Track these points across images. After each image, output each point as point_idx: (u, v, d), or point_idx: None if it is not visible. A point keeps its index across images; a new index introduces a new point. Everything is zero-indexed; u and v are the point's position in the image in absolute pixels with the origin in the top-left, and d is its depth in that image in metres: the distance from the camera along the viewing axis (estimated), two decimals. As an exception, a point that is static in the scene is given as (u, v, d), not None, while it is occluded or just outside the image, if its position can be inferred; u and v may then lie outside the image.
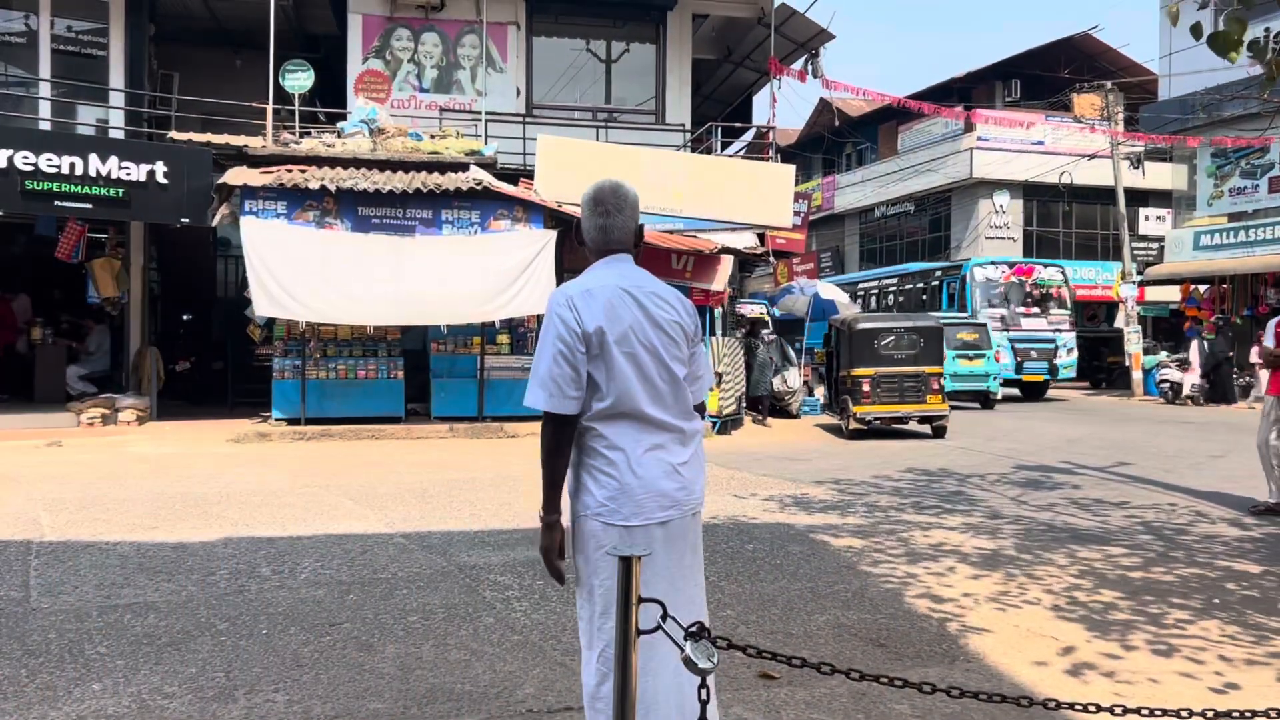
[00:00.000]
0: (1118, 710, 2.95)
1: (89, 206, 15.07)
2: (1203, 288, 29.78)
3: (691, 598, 3.42)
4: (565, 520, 3.37)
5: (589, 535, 3.34)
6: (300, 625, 5.66)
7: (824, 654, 5.16)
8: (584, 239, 3.59)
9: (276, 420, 15.92)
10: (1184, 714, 2.91)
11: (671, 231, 17.24)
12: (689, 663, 2.73)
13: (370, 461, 13.11)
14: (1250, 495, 10.31)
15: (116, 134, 17.18)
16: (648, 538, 3.30)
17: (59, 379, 17.29)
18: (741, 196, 18.03)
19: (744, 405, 19.07)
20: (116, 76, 17.56)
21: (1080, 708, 3.02)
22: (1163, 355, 27.82)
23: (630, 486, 3.31)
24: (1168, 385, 25.05)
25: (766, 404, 19.56)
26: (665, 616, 2.73)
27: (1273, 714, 2.98)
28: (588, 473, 3.36)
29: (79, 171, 14.76)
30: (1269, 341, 9.51)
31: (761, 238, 19.28)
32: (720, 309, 19.58)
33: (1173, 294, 30.59)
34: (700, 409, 3.57)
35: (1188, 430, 17.90)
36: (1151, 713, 2.95)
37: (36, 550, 7.46)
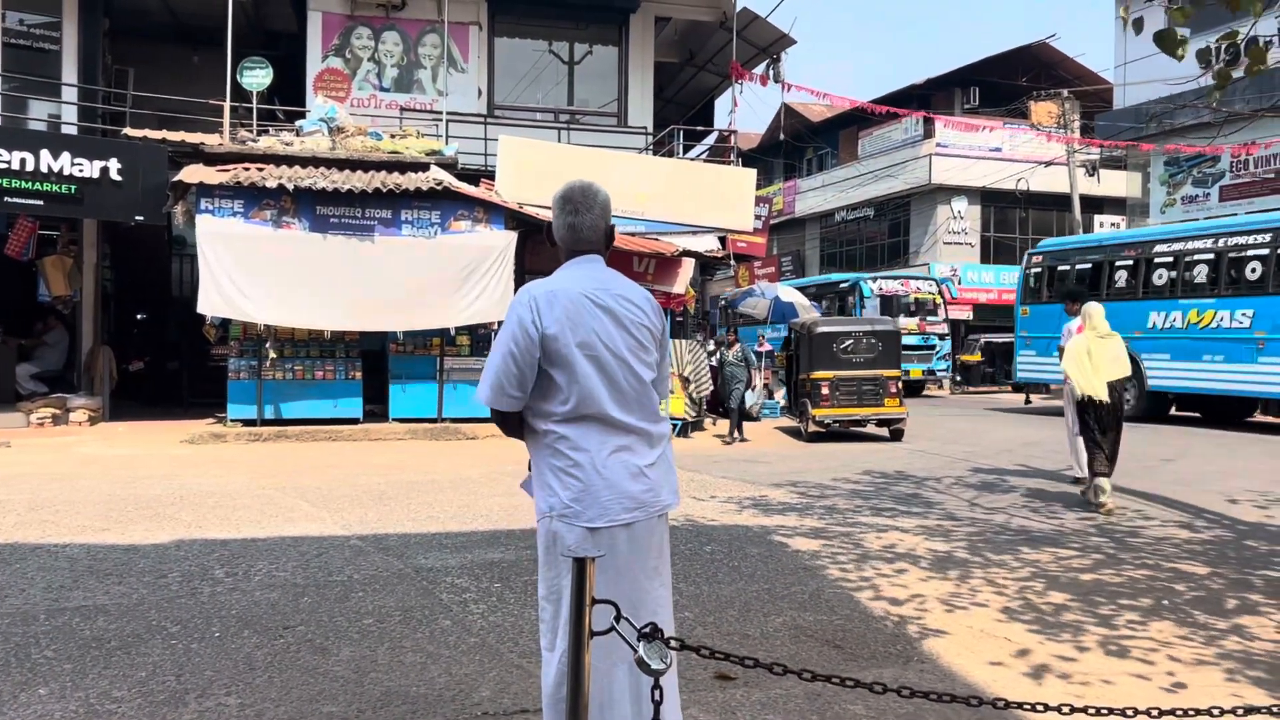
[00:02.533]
0: (1065, 709, 2.98)
1: (40, 203, 14.89)
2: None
3: (656, 599, 3.45)
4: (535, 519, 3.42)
5: (554, 537, 3.35)
6: (253, 628, 5.62)
7: (781, 655, 5.19)
8: (555, 238, 3.60)
9: (232, 421, 15.77)
10: (1129, 712, 2.95)
11: (633, 234, 17.26)
12: (642, 664, 2.75)
13: (327, 463, 13.02)
14: (1196, 501, 10.48)
15: (69, 130, 16.98)
16: (612, 540, 3.32)
17: (9, 378, 17.08)
18: (703, 200, 18.10)
19: (705, 410, 19.12)
20: (69, 71, 17.36)
21: (1029, 707, 3.05)
22: None
23: (595, 488, 3.32)
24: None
25: (736, 418, 17.39)
26: (619, 618, 2.74)
27: (1216, 712, 3.04)
28: (552, 474, 3.37)
29: (30, 167, 14.58)
30: (1064, 341, 11.32)
31: (723, 241, 19.33)
32: (686, 310, 19.64)
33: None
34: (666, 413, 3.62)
35: (1141, 434, 18.12)
36: (1099, 711, 2.99)
37: (-16, 552, 7.37)
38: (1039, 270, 23.56)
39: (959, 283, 37.00)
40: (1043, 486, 11.46)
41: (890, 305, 29.33)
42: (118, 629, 5.55)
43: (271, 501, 9.96)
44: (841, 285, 31.36)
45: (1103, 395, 9.78)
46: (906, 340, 26.75)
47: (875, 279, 30.90)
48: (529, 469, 3.53)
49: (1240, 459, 14.46)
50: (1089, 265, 22.14)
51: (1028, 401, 26.90)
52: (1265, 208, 25.87)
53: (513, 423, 3.46)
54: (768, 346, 22.60)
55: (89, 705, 4.47)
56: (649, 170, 18.14)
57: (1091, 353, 9.98)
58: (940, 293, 30.97)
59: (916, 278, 32.10)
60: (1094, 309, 10.39)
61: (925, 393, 31.14)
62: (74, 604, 6.04)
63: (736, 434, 17.01)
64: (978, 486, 11.48)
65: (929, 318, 30.17)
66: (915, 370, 28.50)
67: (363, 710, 4.49)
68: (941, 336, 30.51)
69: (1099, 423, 9.93)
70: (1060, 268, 23.02)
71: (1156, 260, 20.66)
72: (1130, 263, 21.18)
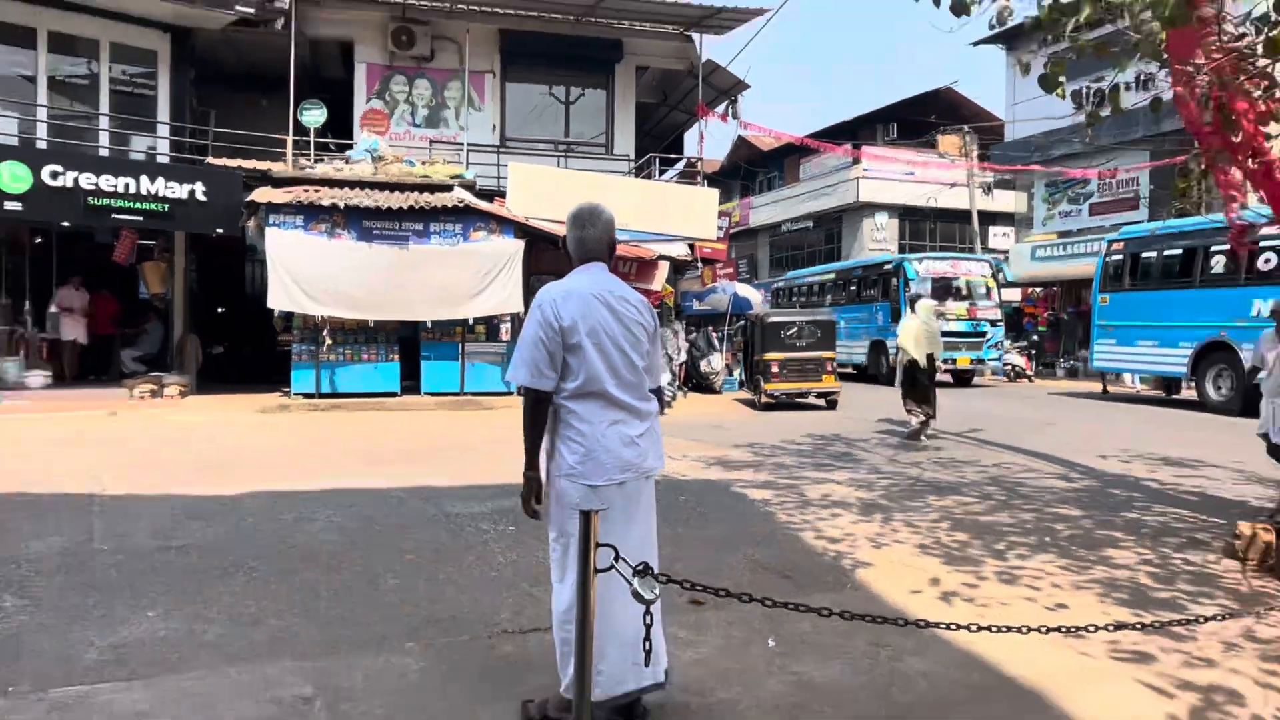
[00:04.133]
0: (972, 628, 3.02)
1: (140, 219, 14.79)
2: (1038, 290, 30.41)
3: (644, 541, 3.47)
4: (543, 477, 3.41)
5: (562, 492, 3.37)
6: (316, 563, 5.63)
7: (742, 584, 5.22)
8: (568, 249, 3.61)
9: (295, 395, 15.68)
10: (1023, 629, 2.98)
11: (618, 242, 17.18)
12: (636, 594, 2.77)
13: (372, 429, 12.96)
14: (1071, 458, 10.58)
15: (163, 159, 16.82)
16: (608, 495, 3.34)
17: (116, 361, 17.06)
18: (675, 214, 18.07)
19: (680, 384, 19.07)
20: (163, 112, 17.19)
21: (943, 626, 3.08)
22: (1006, 343, 27.54)
23: (595, 453, 3.35)
24: (1009, 367, 25.28)
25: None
26: (617, 558, 2.75)
27: (1092, 629, 3.08)
28: (562, 440, 3.39)
29: (132, 190, 14.47)
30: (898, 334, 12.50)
31: (691, 247, 19.28)
32: (664, 304, 19.58)
33: (1015, 295, 30.89)
34: (656, 392, 3.61)
35: (1023, 403, 18.24)
36: (998, 629, 3.03)
37: (98, 502, 7.33)
38: (1120, 257, 18.73)
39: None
40: (949, 446, 11.52)
41: (938, 287, 22.73)
42: (208, 564, 5.56)
43: (328, 460, 9.93)
44: (885, 267, 25.19)
45: (924, 362, 12.02)
46: (955, 326, 21.65)
47: (922, 260, 23.92)
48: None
49: (1109, 423, 14.58)
50: (1179, 251, 17.25)
51: (1105, 391, 20.64)
52: (1125, 220, 26.03)
53: (543, 411, 3.38)
54: (716, 334, 22.27)
55: (187, 625, 4.49)
56: (631, 190, 18.06)
57: (919, 335, 12.04)
58: (994, 275, 24.01)
59: (968, 258, 24.82)
60: (924, 304, 12.99)
61: (976, 382, 23.55)
62: (174, 544, 6.03)
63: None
64: (896, 446, 11.51)
65: (980, 302, 23.05)
66: (962, 359, 22.10)
67: (407, 630, 4.51)
68: (993, 322, 23.11)
69: (916, 381, 12.05)
70: (1145, 254, 18.15)
71: (1265, 244, 15.42)
72: (1229, 247, 15.57)
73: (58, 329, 16.40)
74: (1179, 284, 17.02)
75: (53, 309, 16.19)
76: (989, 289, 23.43)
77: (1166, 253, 17.66)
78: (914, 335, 12.11)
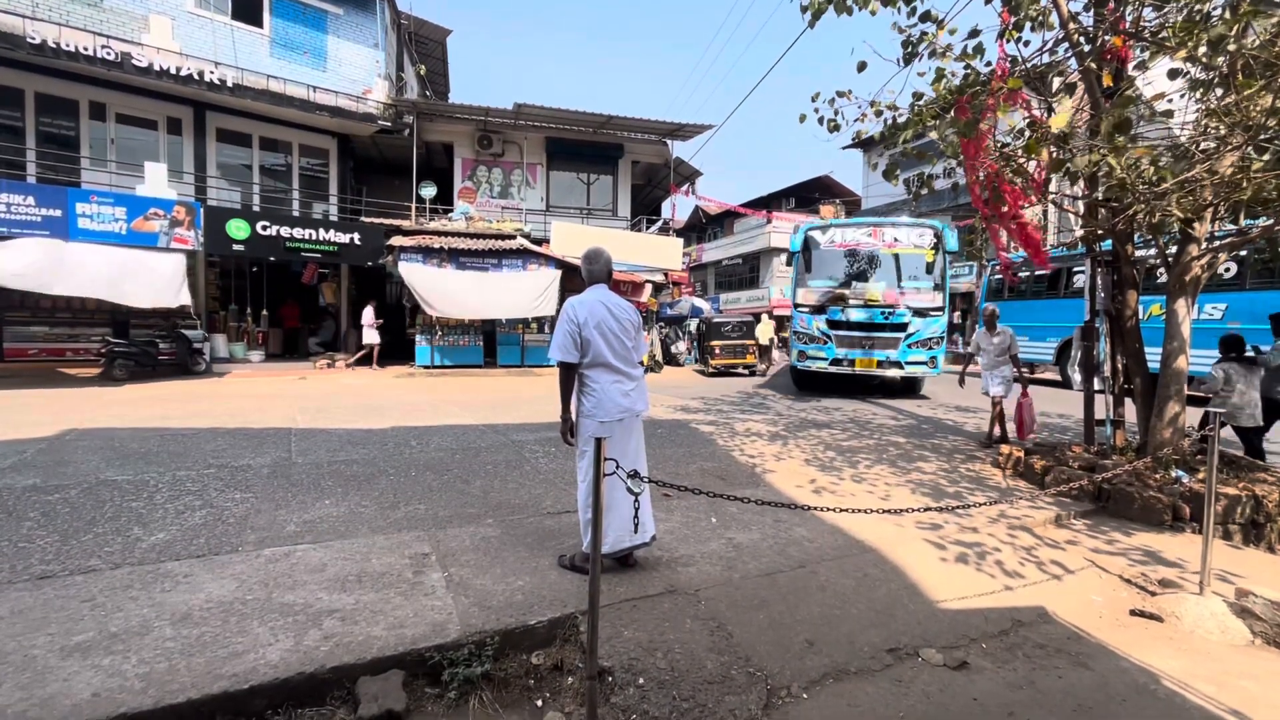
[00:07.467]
0: (836, 510, 3.05)
1: (319, 255, 14.64)
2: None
3: (635, 457, 3.47)
4: (573, 418, 3.41)
5: (583, 426, 3.37)
6: (431, 471, 5.64)
7: (694, 483, 5.26)
8: (583, 276, 3.61)
9: (418, 366, 15.60)
10: (866, 510, 3.02)
11: (619, 271, 17.13)
12: (628, 489, 2.79)
13: (466, 388, 12.92)
14: (899, 406, 10.51)
15: (333, 218, 16.64)
16: (612, 427, 3.35)
17: (306, 346, 16.93)
18: (655, 254, 17.98)
19: (655, 360, 18.97)
20: (333, 187, 16.99)
21: (818, 509, 3.12)
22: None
23: (603, 400, 3.35)
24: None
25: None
26: (618, 467, 2.78)
27: (907, 510, 3.12)
28: (582, 393, 3.39)
29: (314, 237, 14.33)
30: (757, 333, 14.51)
31: (665, 274, 19.21)
32: (649, 310, 19.50)
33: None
34: (641, 363, 3.64)
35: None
36: (851, 510, 3.07)
37: (294, 433, 7.32)
38: (1000, 277, 15.27)
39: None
40: (815, 398, 11.52)
41: (842, 262, 10.64)
42: (362, 471, 5.56)
43: (438, 408, 9.90)
44: (792, 238, 11.93)
45: (765, 343, 15.59)
46: (855, 316, 10.51)
47: (826, 228, 10.91)
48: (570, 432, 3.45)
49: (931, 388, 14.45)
50: (1047, 273, 13.83)
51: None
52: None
53: (570, 376, 3.35)
54: (681, 329, 22.05)
55: (351, 509, 4.50)
56: (629, 239, 17.95)
57: (761, 332, 15.28)
58: (936, 246, 9.99)
59: (897, 223, 10.63)
60: (764, 319, 16.32)
61: (921, 392, 11.94)
62: (342, 459, 6.02)
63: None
64: (793, 399, 11.49)
65: (906, 283, 10.19)
66: (863, 360, 10.47)
67: (487, 511, 4.52)
68: (920, 312, 10.10)
69: (761, 350, 15.29)
70: (1021, 274, 14.59)
71: (1075, 269, 12.89)
72: (1088, 267, 9.83)
73: (360, 335, 15.92)
74: (1048, 295, 13.94)
75: (363, 322, 15.52)
76: (926, 265, 10.42)
77: (1038, 274, 14.17)
78: (761, 331, 16.10)
